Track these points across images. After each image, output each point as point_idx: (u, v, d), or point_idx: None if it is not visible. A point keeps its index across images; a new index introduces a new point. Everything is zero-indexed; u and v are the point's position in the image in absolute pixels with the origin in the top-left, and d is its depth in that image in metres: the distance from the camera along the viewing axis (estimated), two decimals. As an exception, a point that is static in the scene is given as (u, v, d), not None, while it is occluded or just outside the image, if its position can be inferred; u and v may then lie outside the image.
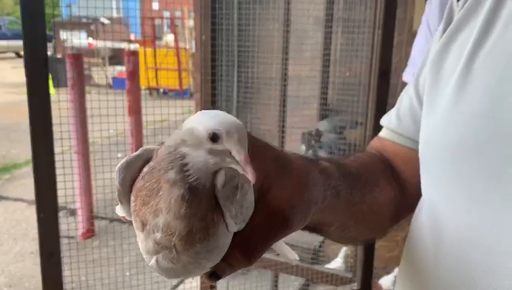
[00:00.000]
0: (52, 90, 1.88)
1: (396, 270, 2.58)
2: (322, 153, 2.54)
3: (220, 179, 0.41)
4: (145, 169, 0.43)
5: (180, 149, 0.41)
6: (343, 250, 2.91)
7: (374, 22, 1.73)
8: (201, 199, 0.41)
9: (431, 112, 0.61)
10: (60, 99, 1.82)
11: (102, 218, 3.95)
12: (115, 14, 5.74)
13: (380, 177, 0.68)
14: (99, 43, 6.99)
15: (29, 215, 4.43)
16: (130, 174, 0.44)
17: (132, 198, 0.43)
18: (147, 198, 0.41)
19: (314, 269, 2.19)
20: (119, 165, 0.44)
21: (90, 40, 7.73)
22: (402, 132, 0.72)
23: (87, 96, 3.39)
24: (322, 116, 2.59)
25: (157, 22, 10.73)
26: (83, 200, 3.25)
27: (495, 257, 0.50)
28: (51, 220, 1.51)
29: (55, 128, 1.55)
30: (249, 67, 2.37)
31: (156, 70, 9.66)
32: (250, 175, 0.40)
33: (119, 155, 2.35)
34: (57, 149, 1.52)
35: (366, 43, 2.01)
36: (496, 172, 0.50)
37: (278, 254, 0.60)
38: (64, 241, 1.77)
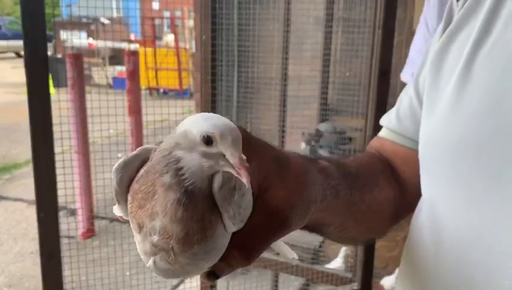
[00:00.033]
0: (52, 90, 1.88)
1: (397, 270, 2.57)
2: (322, 153, 2.54)
3: (218, 181, 0.41)
4: (141, 172, 0.43)
5: (175, 153, 0.41)
6: (343, 250, 2.91)
7: (374, 22, 1.73)
8: (197, 202, 0.40)
9: (431, 111, 0.61)
10: (60, 99, 1.82)
11: (103, 218, 3.95)
12: (115, 14, 5.74)
13: (380, 177, 0.68)
14: (99, 43, 7.00)
15: (29, 215, 4.44)
16: (128, 174, 0.43)
17: (129, 199, 0.43)
18: (143, 201, 0.41)
19: (314, 269, 2.19)
20: (116, 165, 0.44)
21: (90, 40, 7.75)
22: (402, 131, 0.72)
23: (87, 96, 3.39)
24: (322, 116, 2.59)
25: (157, 21, 10.73)
26: (83, 200, 3.25)
27: (495, 257, 0.50)
28: (51, 220, 1.51)
29: (55, 128, 1.55)
30: (249, 67, 2.37)
31: (156, 70, 9.66)
32: (244, 178, 0.39)
33: (119, 155, 2.34)
34: (57, 149, 1.52)
35: (366, 43, 2.01)
36: (496, 172, 0.50)
37: (277, 254, 0.59)
38: (64, 241, 1.76)
